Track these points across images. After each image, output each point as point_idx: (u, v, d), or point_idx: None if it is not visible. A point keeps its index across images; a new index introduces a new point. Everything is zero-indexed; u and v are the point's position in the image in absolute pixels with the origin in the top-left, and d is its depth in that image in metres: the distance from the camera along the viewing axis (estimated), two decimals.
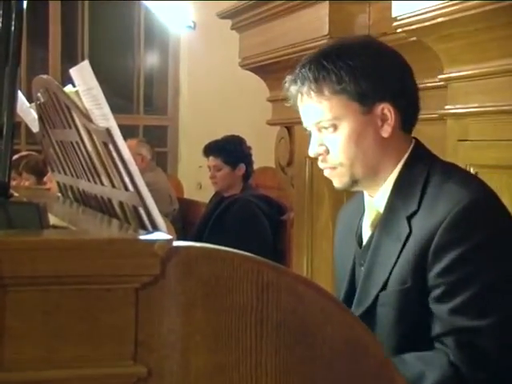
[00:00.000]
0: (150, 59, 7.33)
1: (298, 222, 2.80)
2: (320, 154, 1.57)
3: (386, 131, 1.53)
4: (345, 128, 1.52)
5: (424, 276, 1.43)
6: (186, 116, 6.96)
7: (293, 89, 1.58)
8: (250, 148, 4.34)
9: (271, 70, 2.86)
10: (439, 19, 1.87)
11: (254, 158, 4.35)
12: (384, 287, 1.48)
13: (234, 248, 0.97)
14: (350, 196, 2.42)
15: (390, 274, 1.47)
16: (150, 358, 0.92)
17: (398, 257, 1.46)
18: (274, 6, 2.63)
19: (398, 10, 2.04)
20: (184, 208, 5.04)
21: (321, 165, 1.59)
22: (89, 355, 0.89)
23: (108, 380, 0.91)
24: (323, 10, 2.34)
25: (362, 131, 1.52)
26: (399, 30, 2.06)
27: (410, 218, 1.47)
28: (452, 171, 1.53)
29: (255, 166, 4.46)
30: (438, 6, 1.87)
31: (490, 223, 1.44)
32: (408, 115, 1.56)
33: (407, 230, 1.46)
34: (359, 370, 1.00)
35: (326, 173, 1.59)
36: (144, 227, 1.02)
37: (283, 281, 0.97)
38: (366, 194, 1.62)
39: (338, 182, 1.58)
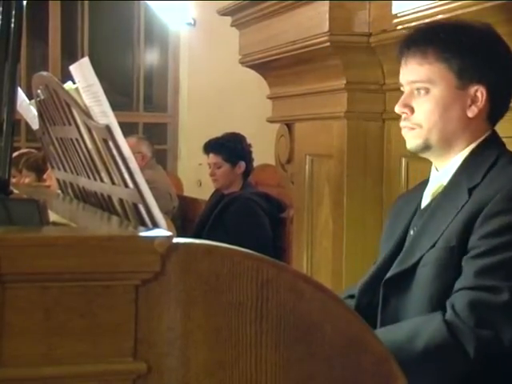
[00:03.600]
0: (150, 56, 7.33)
1: (297, 219, 2.80)
2: (404, 112, 1.64)
3: (472, 111, 1.60)
4: (436, 94, 1.59)
5: (468, 238, 1.48)
6: (185, 113, 6.95)
7: (402, 47, 1.65)
8: (250, 145, 4.34)
9: (271, 67, 2.85)
10: (439, 16, 1.87)
11: (253, 155, 4.35)
12: (431, 248, 1.53)
13: (234, 245, 0.97)
14: (349, 194, 2.43)
15: (440, 236, 1.52)
16: (149, 354, 0.92)
17: (451, 222, 1.52)
18: (275, 3, 2.62)
19: (398, 7, 2.04)
20: (184, 205, 5.03)
21: (402, 123, 1.66)
22: (88, 352, 0.90)
23: (108, 376, 0.91)
24: (323, 7, 2.34)
25: (451, 103, 1.59)
26: (399, 27, 2.06)
27: (471, 190, 1.54)
28: None
29: (255, 164, 4.46)
30: (438, 3, 1.87)
31: None
32: (497, 107, 1.63)
33: (466, 199, 1.53)
34: (358, 366, 1.00)
35: (404, 132, 1.66)
36: (144, 224, 1.02)
37: (283, 277, 0.97)
38: (433, 168, 1.68)
39: (412, 143, 1.64)
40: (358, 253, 2.38)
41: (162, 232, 0.94)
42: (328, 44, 2.33)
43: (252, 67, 3.03)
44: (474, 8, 1.77)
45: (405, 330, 1.45)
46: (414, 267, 1.55)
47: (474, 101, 1.60)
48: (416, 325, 1.45)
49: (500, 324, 1.40)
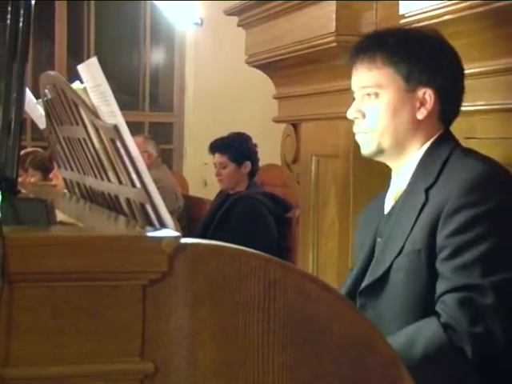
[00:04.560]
0: (156, 56, 7.33)
1: (303, 219, 2.80)
2: (356, 118, 1.67)
3: (421, 113, 1.63)
4: (385, 98, 1.63)
5: (434, 239, 1.49)
6: (191, 113, 6.95)
7: (351, 55, 1.70)
8: (255, 145, 4.33)
9: (278, 67, 2.85)
10: (446, 17, 1.87)
11: (259, 155, 4.34)
12: (399, 253, 1.54)
13: (240, 245, 0.97)
14: (355, 194, 2.43)
15: (406, 240, 1.54)
16: (157, 354, 0.92)
17: (414, 225, 1.53)
18: (281, 3, 2.62)
19: (405, 7, 2.03)
20: (189, 205, 5.03)
21: (354, 128, 1.69)
22: (96, 351, 0.90)
23: (115, 376, 0.91)
24: (330, 7, 2.34)
25: (400, 106, 1.63)
26: (407, 28, 2.05)
27: (427, 190, 1.55)
28: (472, 153, 1.62)
29: (261, 164, 4.45)
30: (445, 4, 1.86)
31: (502, 192, 1.50)
32: (447, 108, 1.65)
33: (423, 200, 1.54)
34: (366, 367, 1.00)
35: (357, 137, 1.70)
36: (151, 224, 1.02)
37: (290, 278, 0.97)
38: (392, 173, 1.71)
39: (365, 149, 1.68)
40: None
41: (170, 232, 0.94)
42: (335, 44, 2.33)
43: (258, 67, 3.03)
44: (481, 8, 1.77)
45: (402, 337, 1.45)
46: (386, 274, 1.56)
47: (422, 103, 1.62)
48: (412, 331, 1.45)
49: (490, 320, 1.41)
